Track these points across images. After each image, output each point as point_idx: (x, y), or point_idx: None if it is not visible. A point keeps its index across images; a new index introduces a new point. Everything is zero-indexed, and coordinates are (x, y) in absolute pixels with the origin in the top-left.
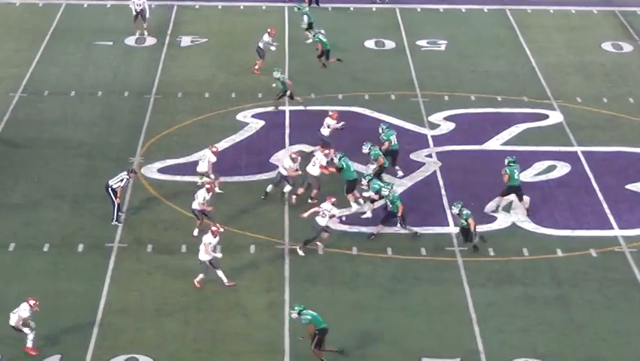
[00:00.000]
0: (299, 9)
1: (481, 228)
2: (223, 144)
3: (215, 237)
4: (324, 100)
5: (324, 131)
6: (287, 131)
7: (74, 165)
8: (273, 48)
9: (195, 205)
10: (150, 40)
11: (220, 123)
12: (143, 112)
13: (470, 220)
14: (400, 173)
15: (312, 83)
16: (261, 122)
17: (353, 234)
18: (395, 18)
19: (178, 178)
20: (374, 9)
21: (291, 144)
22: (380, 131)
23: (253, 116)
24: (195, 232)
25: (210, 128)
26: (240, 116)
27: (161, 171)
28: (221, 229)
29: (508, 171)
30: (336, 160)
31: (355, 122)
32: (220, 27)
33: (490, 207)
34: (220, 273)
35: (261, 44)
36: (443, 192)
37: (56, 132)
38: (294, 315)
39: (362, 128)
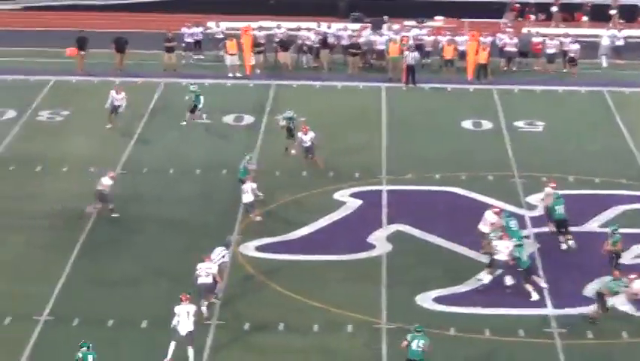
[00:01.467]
0: None
1: (581, 309)
2: (321, 222)
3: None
4: (422, 180)
5: (484, 229)
6: (384, 210)
7: (173, 242)
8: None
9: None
10: (248, 119)
11: (317, 202)
12: (240, 190)
13: (619, 245)
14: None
15: (410, 164)
16: (359, 202)
17: (451, 314)
18: (492, 99)
19: (275, 256)
20: (471, 90)
21: (388, 224)
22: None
23: (350, 195)
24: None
25: (307, 207)
26: (337, 195)
27: (258, 249)
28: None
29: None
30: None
31: (453, 202)
32: (317, 106)
33: (591, 289)
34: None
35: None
36: (541, 273)
37: (155, 209)
38: None
39: (460, 208)
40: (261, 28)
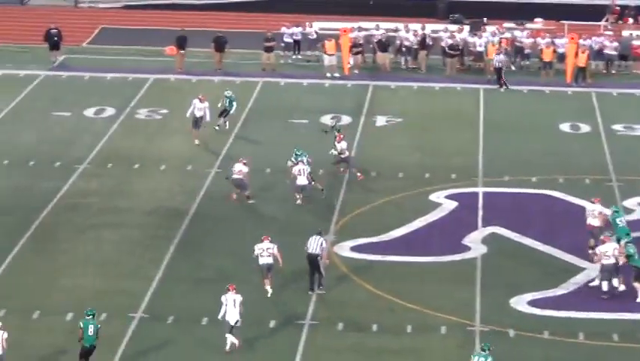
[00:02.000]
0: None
1: None
2: (417, 224)
3: None
4: (518, 182)
5: (594, 222)
6: (480, 213)
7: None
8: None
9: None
10: (346, 119)
11: (413, 203)
12: (337, 190)
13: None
14: None
15: (506, 166)
16: (454, 204)
17: (545, 317)
18: (591, 102)
19: (370, 257)
20: (570, 92)
21: (483, 226)
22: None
23: (446, 197)
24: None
25: (403, 208)
26: (433, 197)
27: (353, 249)
28: None
29: None
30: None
31: (549, 205)
32: (415, 108)
33: None
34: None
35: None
36: None
37: (251, 208)
38: None
39: (556, 211)
40: (360, 29)
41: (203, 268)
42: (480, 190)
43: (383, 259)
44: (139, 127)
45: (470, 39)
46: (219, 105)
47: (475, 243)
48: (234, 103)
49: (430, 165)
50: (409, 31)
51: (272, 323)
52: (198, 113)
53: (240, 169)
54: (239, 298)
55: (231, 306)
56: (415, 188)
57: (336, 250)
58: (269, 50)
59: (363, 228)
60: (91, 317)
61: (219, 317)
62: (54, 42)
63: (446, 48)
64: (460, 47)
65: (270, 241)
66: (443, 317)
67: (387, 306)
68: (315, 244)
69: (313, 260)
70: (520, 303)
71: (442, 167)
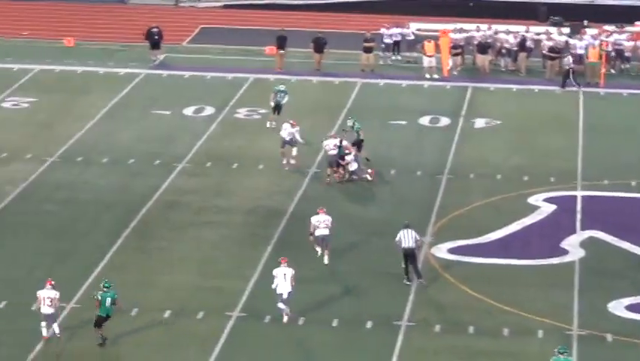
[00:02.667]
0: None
1: None
2: (515, 226)
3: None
4: (617, 186)
5: None
6: (578, 216)
7: (366, 243)
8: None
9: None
10: (444, 121)
11: (511, 206)
12: (434, 192)
13: None
14: None
15: (605, 169)
16: (553, 207)
17: None
18: None
19: (467, 259)
20: None
21: (582, 230)
22: None
23: (545, 200)
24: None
25: (501, 211)
26: (531, 200)
27: (450, 251)
28: None
29: None
30: None
31: None
32: (514, 110)
33: None
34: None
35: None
36: None
37: (346, 209)
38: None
39: None
40: (461, 30)
41: (300, 268)
42: (579, 194)
43: (480, 261)
44: (238, 126)
45: (571, 41)
46: (271, 103)
47: (573, 246)
48: (286, 97)
49: (528, 168)
50: (508, 33)
51: (369, 324)
52: (288, 137)
53: (334, 143)
54: (290, 271)
55: (282, 279)
56: (513, 191)
57: (433, 252)
58: (368, 50)
59: (460, 230)
60: (107, 288)
61: (272, 287)
62: (155, 41)
63: (546, 50)
64: (561, 50)
65: (326, 213)
66: (540, 320)
67: (485, 308)
68: (408, 237)
69: (410, 254)
70: (619, 308)
71: (540, 170)
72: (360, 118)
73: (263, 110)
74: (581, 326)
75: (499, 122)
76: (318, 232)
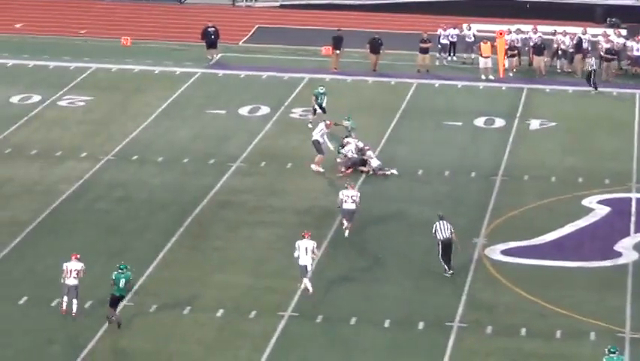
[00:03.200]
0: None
1: None
2: (568, 228)
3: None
4: None
5: None
6: (633, 219)
7: (419, 243)
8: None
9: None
10: (499, 122)
11: (565, 208)
12: (488, 193)
13: None
14: None
15: None
16: (607, 209)
17: None
18: None
19: (521, 261)
20: None
21: (636, 232)
22: None
23: (599, 202)
24: None
25: (555, 213)
26: (585, 202)
27: (504, 253)
28: None
29: None
30: None
31: None
32: (570, 111)
33: None
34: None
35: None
36: None
37: (402, 209)
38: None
39: None
40: (518, 32)
41: (354, 268)
42: (634, 196)
43: (534, 263)
44: (293, 126)
45: (628, 43)
46: (314, 106)
47: (627, 249)
48: (325, 97)
49: (583, 170)
50: (565, 34)
51: (420, 325)
52: (321, 140)
53: (354, 145)
54: (311, 244)
55: (303, 252)
56: (567, 192)
57: (486, 253)
58: (424, 51)
59: (514, 231)
60: (123, 270)
61: (295, 256)
62: (211, 40)
63: (603, 52)
64: (617, 52)
65: (354, 189)
66: (593, 322)
67: (537, 310)
68: (445, 229)
69: (447, 244)
70: None
71: (595, 172)
72: (415, 119)
73: (318, 111)
74: (633, 328)
75: (554, 123)
76: (345, 206)
